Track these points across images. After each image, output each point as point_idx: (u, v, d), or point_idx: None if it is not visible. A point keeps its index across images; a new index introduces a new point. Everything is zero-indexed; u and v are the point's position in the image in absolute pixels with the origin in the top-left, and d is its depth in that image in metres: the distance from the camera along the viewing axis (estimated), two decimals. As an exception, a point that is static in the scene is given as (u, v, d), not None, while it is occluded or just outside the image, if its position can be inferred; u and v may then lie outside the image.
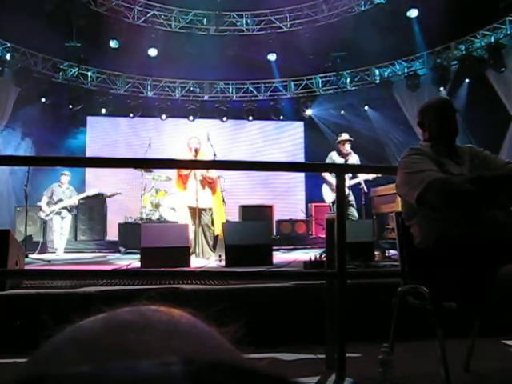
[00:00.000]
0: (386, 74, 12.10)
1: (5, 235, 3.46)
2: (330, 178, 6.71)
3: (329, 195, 7.04)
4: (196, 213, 6.40)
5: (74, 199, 8.34)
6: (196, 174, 6.39)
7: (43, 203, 8.11)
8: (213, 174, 6.51)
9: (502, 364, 2.91)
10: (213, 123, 12.36)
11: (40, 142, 10.71)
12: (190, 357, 0.26)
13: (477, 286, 2.02)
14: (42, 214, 8.16)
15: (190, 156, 6.39)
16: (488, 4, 9.53)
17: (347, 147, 7.00)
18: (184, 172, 6.47)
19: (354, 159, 7.01)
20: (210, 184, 6.59)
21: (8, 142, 10.54)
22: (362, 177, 6.95)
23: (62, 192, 8.24)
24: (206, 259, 6.30)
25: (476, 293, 2.02)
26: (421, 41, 10.91)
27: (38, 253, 7.59)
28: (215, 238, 6.65)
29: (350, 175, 6.90)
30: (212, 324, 0.34)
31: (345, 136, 7.12)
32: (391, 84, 11.83)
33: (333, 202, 6.71)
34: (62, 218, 8.26)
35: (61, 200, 8.14)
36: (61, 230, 8.20)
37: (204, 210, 6.52)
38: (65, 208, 8.23)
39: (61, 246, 8.13)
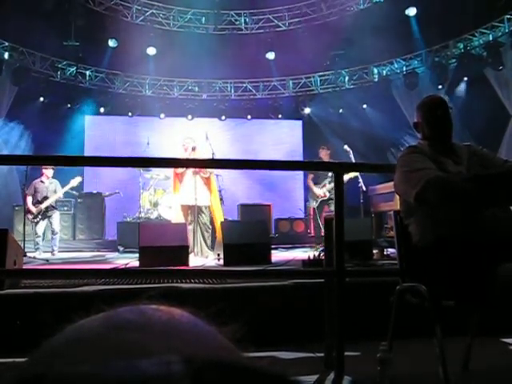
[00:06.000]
0: (384, 72, 12.10)
1: (3, 235, 3.45)
2: (313, 186, 7.73)
3: (312, 201, 7.87)
4: (194, 211, 6.40)
5: (59, 193, 7.80)
6: (194, 170, 6.40)
7: (29, 203, 7.62)
8: (206, 170, 6.53)
9: (501, 362, 2.92)
10: (211, 122, 12.34)
11: (38, 141, 10.70)
12: (190, 356, 0.26)
13: (475, 284, 2.03)
14: (30, 217, 7.60)
15: (186, 156, 6.40)
16: (486, 2, 9.53)
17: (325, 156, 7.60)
18: (179, 170, 6.48)
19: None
20: (205, 180, 6.60)
21: (6, 141, 10.52)
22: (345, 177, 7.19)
23: (46, 188, 7.70)
24: (204, 258, 6.31)
25: (475, 291, 2.03)
26: (419, 39, 10.92)
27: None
28: (214, 237, 6.66)
29: (330, 179, 7.47)
30: (212, 323, 0.34)
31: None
32: (390, 82, 11.83)
33: (317, 207, 7.69)
34: (49, 217, 7.76)
35: (46, 198, 7.65)
36: (52, 228, 7.80)
37: (201, 209, 6.52)
38: (51, 206, 7.75)
39: (55, 245, 7.88)
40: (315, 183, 7.72)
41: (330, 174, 7.47)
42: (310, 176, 7.88)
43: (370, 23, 10.12)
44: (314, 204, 7.77)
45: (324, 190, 7.56)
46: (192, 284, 3.57)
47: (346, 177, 7.26)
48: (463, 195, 2.10)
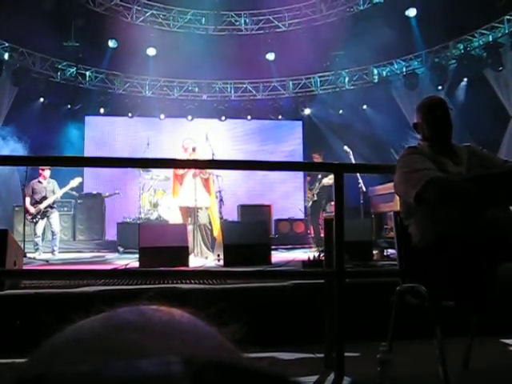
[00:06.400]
0: (384, 73, 12.10)
1: (3, 235, 3.45)
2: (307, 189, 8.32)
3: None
4: (193, 212, 6.40)
5: (59, 193, 7.76)
6: (195, 172, 6.40)
7: (27, 204, 7.58)
8: (206, 171, 6.53)
9: (501, 363, 2.92)
10: (211, 123, 12.33)
11: (38, 142, 10.69)
12: (190, 357, 0.26)
13: (475, 285, 2.03)
14: (29, 217, 7.57)
15: (186, 157, 6.40)
16: (486, 3, 9.53)
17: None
18: (180, 172, 6.47)
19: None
20: (205, 182, 6.60)
21: (6, 141, 10.51)
22: (324, 181, 7.79)
23: (44, 188, 7.66)
24: (204, 259, 6.30)
25: (475, 291, 2.03)
26: (419, 40, 10.92)
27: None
28: (213, 237, 6.65)
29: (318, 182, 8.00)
30: (212, 324, 0.34)
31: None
32: (390, 83, 11.83)
33: (310, 206, 8.29)
34: (48, 217, 7.73)
35: (44, 198, 7.60)
36: (52, 229, 7.77)
37: (201, 208, 6.52)
38: (50, 206, 7.71)
39: (55, 246, 7.86)
40: (310, 185, 8.14)
41: (319, 176, 7.78)
42: (308, 178, 8.32)
43: (370, 24, 10.11)
44: (308, 205, 8.44)
45: (313, 192, 7.83)
46: (192, 285, 3.57)
47: (330, 181, 7.46)
48: (463, 195, 2.10)
